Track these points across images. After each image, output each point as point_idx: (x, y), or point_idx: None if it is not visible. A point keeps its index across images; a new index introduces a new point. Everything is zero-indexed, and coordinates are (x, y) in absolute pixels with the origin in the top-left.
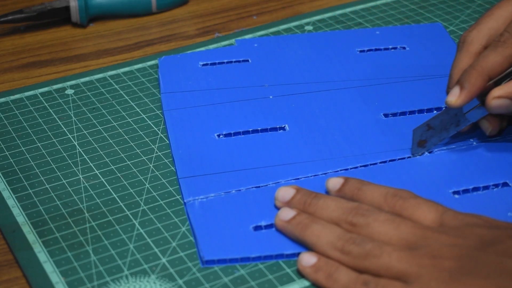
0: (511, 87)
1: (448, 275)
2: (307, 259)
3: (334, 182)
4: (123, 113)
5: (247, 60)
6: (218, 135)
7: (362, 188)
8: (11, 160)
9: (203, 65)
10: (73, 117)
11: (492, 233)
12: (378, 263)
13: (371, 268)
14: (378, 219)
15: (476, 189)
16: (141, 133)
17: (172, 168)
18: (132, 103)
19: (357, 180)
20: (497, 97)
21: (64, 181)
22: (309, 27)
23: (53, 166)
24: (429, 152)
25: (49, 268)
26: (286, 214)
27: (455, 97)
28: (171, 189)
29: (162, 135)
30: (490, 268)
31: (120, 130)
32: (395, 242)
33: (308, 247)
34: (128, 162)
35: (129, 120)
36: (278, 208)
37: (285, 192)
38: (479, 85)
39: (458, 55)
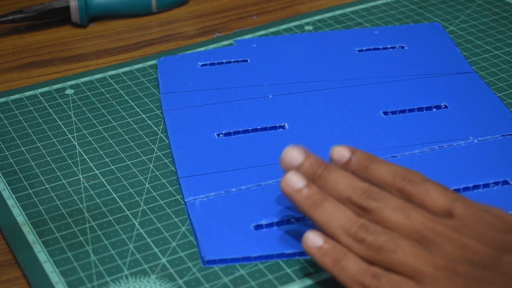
0: None
1: (463, 284)
2: (313, 239)
3: (340, 155)
4: (123, 113)
5: (246, 60)
6: (218, 134)
7: (370, 166)
8: (11, 160)
9: (202, 65)
10: (73, 117)
11: (506, 238)
12: (392, 258)
13: (383, 262)
14: (389, 205)
15: (476, 187)
16: (141, 133)
17: (172, 168)
18: (132, 103)
19: (365, 156)
20: None
21: (64, 181)
22: (309, 27)
23: (53, 166)
24: (430, 149)
25: (49, 268)
26: (295, 181)
27: None
28: (171, 189)
29: (162, 135)
30: (504, 278)
31: (120, 130)
32: (406, 233)
33: (315, 225)
34: (128, 162)
35: (129, 120)
36: (281, 203)
37: (293, 156)
38: None
39: None
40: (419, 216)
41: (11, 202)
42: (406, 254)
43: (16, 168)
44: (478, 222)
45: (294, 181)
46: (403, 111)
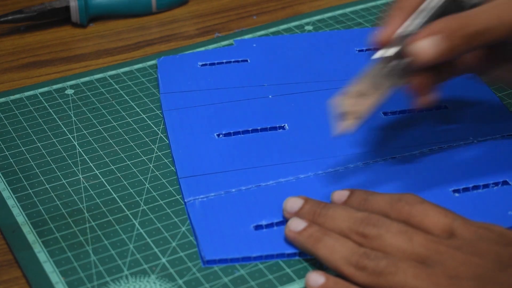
0: (437, 22)
1: None
2: (315, 279)
3: (340, 195)
4: (123, 113)
5: (246, 60)
6: (218, 135)
7: (368, 198)
8: (11, 160)
9: (202, 65)
10: (73, 117)
11: (508, 251)
12: (393, 281)
13: (386, 285)
14: (390, 230)
15: (476, 187)
16: (141, 133)
17: (172, 168)
18: (132, 103)
19: (363, 191)
20: (424, 37)
21: (64, 181)
22: (309, 27)
23: (53, 166)
24: (430, 150)
25: (49, 268)
26: (297, 224)
27: (380, 33)
28: (171, 189)
29: (162, 135)
30: None
31: (120, 130)
32: (408, 256)
33: (320, 261)
34: (128, 162)
35: (129, 120)
36: (286, 219)
37: (294, 203)
38: (399, 17)
39: None
40: (421, 238)
41: (11, 202)
42: (407, 275)
43: (16, 168)
44: (479, 240)
45: (296, 225)
46: (403, 111)
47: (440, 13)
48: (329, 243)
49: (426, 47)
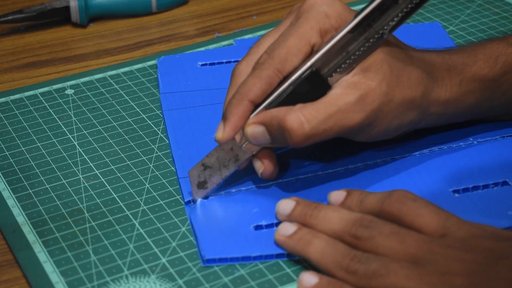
0: (266, 113)
1: None
2: (308, 279)
3: (337, 196)
4: (123, 113)
5: None
6: None
7: (363, 200)
8: (11, 160)
9: (202, 65)
10: (73, 117)
11: (500, 246)
12: (385, 283)
13: (378, 287)
14: (382, 232)
15: (476, 188)
16: (141, 133)
17: (172, 168)
18: (132, 103)
19: (360, 192)
20: (251, 124)
21: (64, 181)
22: None
23: (53, 166)
24: (430, 151)
25: (49, 268)
26: (287, 229)
27: (220, 132)
28: (171, 189)
29: (162, 135)
30: (501, 284)
31: (120, 130)
32: (401, 257)
33: (311, 264)
34: (128, 162)
35: (129, 120)
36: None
37: (286, 205)
38: (241, 113)
39: (228, 89)
40: (413, 239)
41: (11, 202)
42: (398, 276)
43: (16, 168)
44: (471, 237)
45: (285, 229)
46: None
47: (298, 90)
48: (319, 246)
49: (253, 133)
